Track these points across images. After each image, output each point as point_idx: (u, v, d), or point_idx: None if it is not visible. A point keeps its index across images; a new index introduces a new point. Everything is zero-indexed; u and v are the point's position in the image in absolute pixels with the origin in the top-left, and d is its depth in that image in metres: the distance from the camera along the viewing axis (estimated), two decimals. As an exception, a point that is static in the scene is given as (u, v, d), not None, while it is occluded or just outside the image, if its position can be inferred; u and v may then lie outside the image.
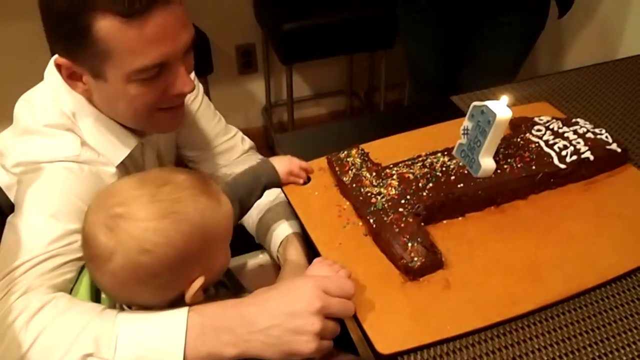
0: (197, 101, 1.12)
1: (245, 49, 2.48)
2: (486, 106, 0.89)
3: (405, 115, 1.51)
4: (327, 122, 2.75)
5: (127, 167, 0.97)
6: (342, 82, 2.73)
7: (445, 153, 0.98)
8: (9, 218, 0.84)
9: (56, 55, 0.87)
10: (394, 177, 0.93)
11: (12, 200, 0.88)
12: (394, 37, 2.17)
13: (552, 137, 1.00)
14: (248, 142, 1.21)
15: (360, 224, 0.91)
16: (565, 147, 0.97)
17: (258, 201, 0.97)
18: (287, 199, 0.99)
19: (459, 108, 1.23)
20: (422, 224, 0.87)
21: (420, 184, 0.91)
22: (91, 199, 0.77)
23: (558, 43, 2.19)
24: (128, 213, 0.70)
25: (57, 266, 0.78)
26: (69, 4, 0.79)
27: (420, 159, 0.98)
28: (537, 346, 0.75)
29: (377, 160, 0.99)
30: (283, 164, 0.99)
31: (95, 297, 0.80)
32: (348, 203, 0.95)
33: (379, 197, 0.90)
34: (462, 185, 0.91)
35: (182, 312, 0.71)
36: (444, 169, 0.94)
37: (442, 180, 0.92)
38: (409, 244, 0.82)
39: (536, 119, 1.07)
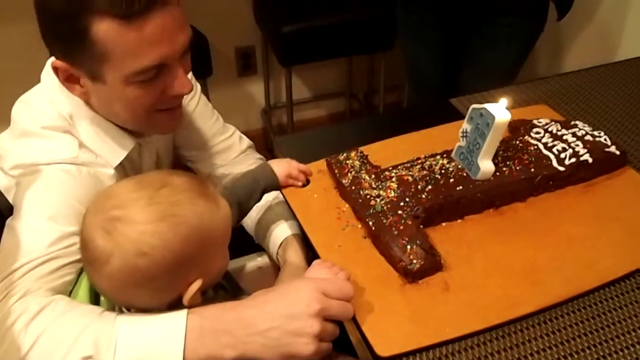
0: (194, 101, 1.12)
1: (244, 51, 2.49)
2: (485, 109, 0.89)
3: (404, 117, 1.51)
4: (327, 124, 2.75)
5: (125, 169, 0.97)
6: (342, 84, 2.73)
7: (445, 155, 0.99)
8: (8, 221, 0.84)
9: (53, 58, 0.87)
10: (393, 179, 0.93)
11: (10, 202, 0.88)
12: (393, 39, 2.17)
13: (551, 139, 1.00)
14: (246, 142, 1.21)
15: (360, 226, 0.91)
16: (564, 150, 0.97)
17: (257, 201, 0.98)
18: (287, 201, 0.99)
19: (458, 110, 1.23)
20: (421, 226, 0.87)
21: (419, 187, 0.91)
22: (90, 201, 0.77)
23: (557, 45, 2.19)
24: (126, 216, 0.70)
25: (56, 269, 0.78)
26: (66, 6, 0.79)
27: (419, 161, 0.98)
28: (536, 348, 0.75)
29: (376, 162, 0.99)
30: (282, 166, 0.99)
31: (95, 299, 0.80)
32: (347, 205, 0.95)
33: (378, 200, 0.90)
34: (461, 187, 0.91)
35: (182, 314, 0.71)
36: (443, 171, 0.94)
37: (441, 182, 0.92)
38: (408, 247, 0.82)
39: (535, 122, 1.07)
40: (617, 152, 0.99)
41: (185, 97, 0.95)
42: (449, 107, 1.26)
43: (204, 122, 1.14)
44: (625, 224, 0.90)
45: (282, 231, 1.01)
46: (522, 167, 0.94)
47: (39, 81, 0.96)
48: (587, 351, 0.75)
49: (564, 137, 1.01)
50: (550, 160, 0.96)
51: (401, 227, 0.85)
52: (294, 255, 0.97)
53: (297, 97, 2.60)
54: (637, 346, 0.75)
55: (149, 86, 0.85)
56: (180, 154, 1.18)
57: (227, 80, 2.50)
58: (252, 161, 1.17)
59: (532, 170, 0.94)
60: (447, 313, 0.78)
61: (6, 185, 0.90)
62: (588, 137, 1.00)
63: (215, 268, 0.78)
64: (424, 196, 0.90)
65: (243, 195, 0.94)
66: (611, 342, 0.76)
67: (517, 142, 1.01)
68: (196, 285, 0.73)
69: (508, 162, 0.95)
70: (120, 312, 0.75)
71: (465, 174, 0.94)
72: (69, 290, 0.79)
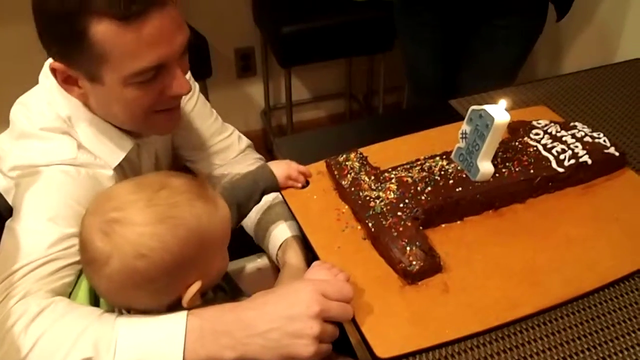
0: (192, 101, 1.12)
1: (244, 52, 2.49)
2: (484, 110, 0.89)
3: (403, 118, 1.52)
4: (326, 125, 2.75)
5: (124, 170, 0.97)
6: (341, 85, 2.73)
7: (444, 157, 0.99)
8: (8, 222, 0.84)
9: (50, 60, 0.87)
10: (393, 181, 0.93)
11: (10, 203, 0.88)
12: (392, 40, 2.17)
13: (550, 140, 1.00)
14: (245, 141, 1.21)
15: (359, 227, 0.91)
16: (564, 151, 0.98)
17: (257, 201, 0.97)
18: (286, 203, 0.99)
19: (457, 112, 1.23)
20: (421, 227, 0.87)
21: (418, 188, 0.91)
22: (89, 202, 0.77)
23: (556, 46, 2.19)
24: (124, 218, 0.70)
25: (55, 270, 0.78)
26: (64, 7, 0.78)
27: (418, 162, 0.98)
28: (535, 350, 0.75)
29: (376, 164, 0.99)
30: (281, 168, 0.99)
31: (94, 300, 0.80)
32: (347, 207, 0.95)
33: (377, 201, 0.90)
34: (460, 189, 0.91)
35: (181, 315, 0.71)
36: (442, 172, 0.94)
37: (441, 184, 0.92)
38: (408, 248, 0.82)
39: (534, 123, 1.07)
40: (616, 154, 0.99)
41: (183, 97, 0.95)
42: (449, 108, 1.26)
43: (202, 121, 1.14)
44: (624, 225, 0.90)
45: (281, 232, 1.01)
46: (522, 168, 0.94)
47: (37, 82, 0.96)
48: (588, 352, 0.75)
49: (563, 139, 1.01)
50: (550, 162, 0.96)
51: (401, 229, 0.85)
52: (294, 257, 0.97)
53: (297, 98, 2.60)
54: (638, 347, 0.75)
55: (147, 87, 0.85)
56: (180, 154, 1.18)
57: (226, 82, 2.50)
58: (251, 161, 1.17)
59: (532, 171, 0.94)
60: (447, 314, 0.78)
61: (5, 187, 0.90)
62: (587, 139, 1.00)
63: (215, 270, 0.78)
64: (423, 197, 0.90)
65: (242, 196, 0.94)
66: (611, 344, 0.76)
67: (517, 143, 1.01)
68: (195, 287, 0.73)
69: (507, 164, 0.95)
70: (120, 313, 0.75)
71: (464, 176, 0.94)
72: (68, 292, 0.79)
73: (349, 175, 0.96)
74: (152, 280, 0.71)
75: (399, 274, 0.83)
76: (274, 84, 2.61)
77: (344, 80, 2.71)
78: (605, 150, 0.99)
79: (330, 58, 2.39)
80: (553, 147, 0.99)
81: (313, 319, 0.70)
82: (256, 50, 2.49)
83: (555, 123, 1.06)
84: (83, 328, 0.69)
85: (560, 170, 0.95)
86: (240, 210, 0.94)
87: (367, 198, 0.91)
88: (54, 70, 0.86)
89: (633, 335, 0.77)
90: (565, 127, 1.04)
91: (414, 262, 0.81)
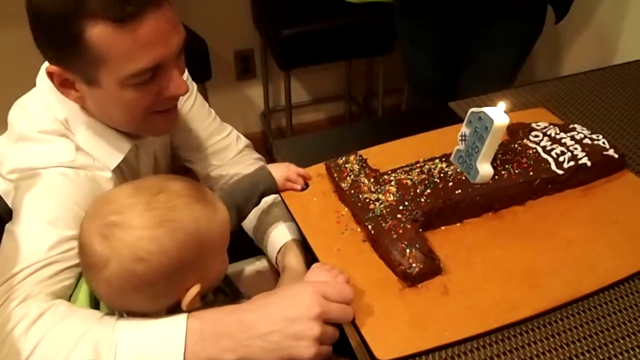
0: (190, 101, 1.12)
1: (243, 55, 2.49)
2: (484, 112, 0.89)
3: (403, 120, 1.52)
4: (326, 127, 2.75)
5: (122, 171, 0.97)
6: (341, 88, 2.73)
7: (443, 159, 0.99)
8: (7, 225, 0.84)
9: (47, 63, 0.86)
10: (392, 183, 0.93)
11: (10, 206, 0.88)
12: (392, 43, 2.17)
13: (549, 143, 1.01)
14: (243, 141, 1.20)
15: (359, 230, 0.91)
16: (563, 153, 0.98)
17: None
18: (286, 205, 0.99)
19: (456, 114, 1.23)
20: (420, 230, 0.87)
21: (418, 190, 0.91)
22: (88, 204, 0.77)
23: (555, 49, 2.19)
24: (123, 221, 0.70)
25: (55, 273, 0.78)
26: (59, 10, 0.78)
27: (418, 165, 0.98)
28: (535, 352, 0.75)
29: (375, 166, 0.99)
30: (280, 170, 0.99)
31: (95, 303, 0.80)
32: (346, 209, 0.95)
33: (377, 204, 0.90)
34: (460, 191, 0.91)
35: (181, 318, 0.71)
36: (442, 175, 0.95)
37: (440, 186, 0.92)
38: (407, 250, 0.82)
39: (533, 125, 1.07)
40: (616, 156, 0.99)
41: (181, 97, 0.95)
42: (448, 110, 1.26)
43: (200, 122, 1.14)
44: (623, 227, 0.90)
45: (280, 236, 1.01)
46: (521, 170, 0.95)
47: (34, 85, 0.96)
48: (587, 354, 0.75)
49: (563, 141, 1.01)
50: (549, 164, 0.96)
51: (400, 231, 0.85)
52: (294, 260, 0.97)
53: (296, 101, 2.60)
54: (638, 349, 0.75)
55: (144, 88, 0.86)
56: (178, 154, 1.18)
57: (226, 84, 2.50)
58: (250, 161, 1.17)
59: (531, 173, 0.94)
60: (447, 317, 0.78)
61: (5, 190, 0.90)
62: (586, 141, 1.01)
63: (214, 273, 0.78)
64: (423, 200, 0.90)
65: (241, 199, 0.94)
66: (611, 346, 0.76)
67: (516, 145, 1.01)
68: (194, 290, 0.73)
69: (507, 166, 0.95)
70: (120, 316, 0.75)
71: (464, 178, 0.94)
72: (68, 295, 0.79)
73: (348, 178, 0.96)
74: (151, 284, 0.71)
75: (399, 276, 0.83)
76: (274, 87, 2.61)
77: (343, 82, 2.71)
78: (605, 152, 0.99)
79: (329, 60, 2.40)
80: (552, 149, 0.99)
81: (313, 320, 0.70)
82: (256, 53, 2.49)
83: (555, 125, 1.06)
84: (83, 331, 0.69)
85: (560, 172, 0.95)
86: (239, 212, 0.94)
87: (367, 200, 0.91)
88: (50, 74, 0.86)
89: (633, 337, 0.76)
90: (564, 129, 1.05)
91: (414, 265, 0.81)
